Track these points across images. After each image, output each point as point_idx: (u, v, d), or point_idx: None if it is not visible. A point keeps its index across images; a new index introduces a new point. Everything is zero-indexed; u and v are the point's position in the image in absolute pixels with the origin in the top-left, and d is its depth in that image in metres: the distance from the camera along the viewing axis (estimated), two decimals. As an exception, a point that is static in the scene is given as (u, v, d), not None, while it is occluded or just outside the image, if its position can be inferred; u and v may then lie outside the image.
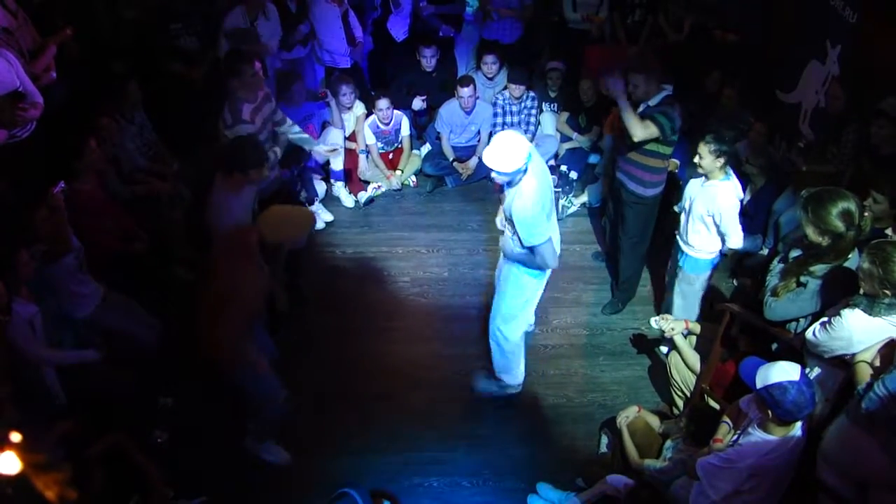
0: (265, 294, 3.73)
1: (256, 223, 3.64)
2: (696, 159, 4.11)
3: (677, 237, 4.55)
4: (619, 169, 4.81)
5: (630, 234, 4.94)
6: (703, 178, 4.22)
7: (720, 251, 4.42)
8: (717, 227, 4.22)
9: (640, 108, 4.41)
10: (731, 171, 4.20)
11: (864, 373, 3.08)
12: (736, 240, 4.25)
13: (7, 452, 2.63)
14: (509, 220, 3.85)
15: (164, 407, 4.38)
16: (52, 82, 3.99)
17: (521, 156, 3.54)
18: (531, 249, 3.85)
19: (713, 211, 4.16)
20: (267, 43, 5.78)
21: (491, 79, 6.61)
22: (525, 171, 3.65)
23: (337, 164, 6.27)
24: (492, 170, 3.61)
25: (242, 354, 3.62)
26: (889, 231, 3.78)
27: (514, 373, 4.54)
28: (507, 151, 3.53)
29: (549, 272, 4.17)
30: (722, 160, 4.08)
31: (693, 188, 4.33)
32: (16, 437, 2.75)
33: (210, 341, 3.49)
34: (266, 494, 4.13)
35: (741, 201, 4.33)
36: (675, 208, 4.67)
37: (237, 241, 3.64)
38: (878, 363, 3.08)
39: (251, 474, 4.18)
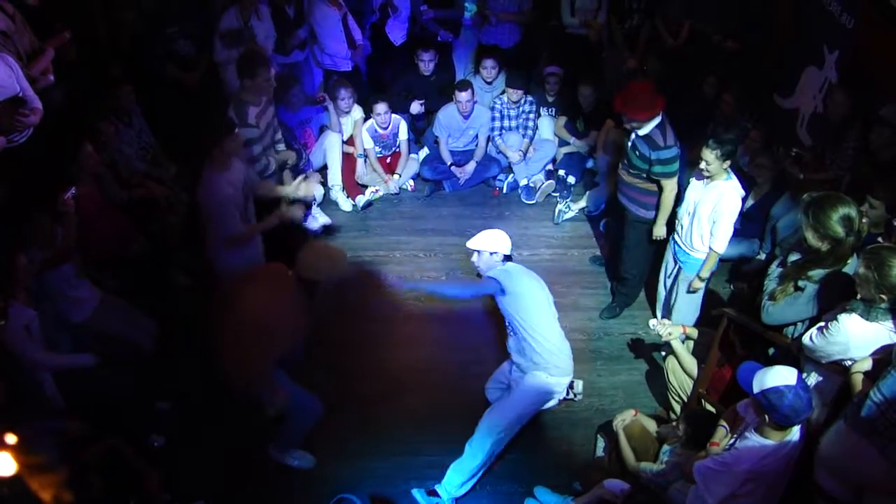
0: (305, 332, 3.78)
1: (296, 259, 3.58)
2: (703, 165, 4.13)
3: (674, 240, 4.55)
4: (619, 192, 4.93)
5: (632, 250, 5.01)
6: (705, 179, 4.23)
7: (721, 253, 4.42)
8: (712, 225, 4.23)
9: (632, 137, 4.57)
10: (731, 171, 4.21)
11: (860, 383, 3.09)
12: (721, 244, 4.25)
13: (2, 454, 2.64)
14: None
15: (160, 411, 4.38)
16: (50, 85, 3.99)
17: (498, 244, 4.04)
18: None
19: (717, 209, 4.17)
20: (263, 44, 5.77)
21: (489, 83, 6.61)
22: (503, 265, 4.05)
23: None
24: (471, 249, 4.12)
25: (267, 384, 3.65)
26: (880, 240, 3.78)
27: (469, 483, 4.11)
28: (487, 236, 4.07)
29: (566, 379, 4.07)
30: (728, 162, 4.10)
31: (695, 190, 4.32)
32: (11, 438, 2.75)
33: (238, 370, 3.49)
34: (264, 499, 4.12)
35: (743, 200, 4.35)
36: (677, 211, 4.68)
37: (275, 274, 3.69)
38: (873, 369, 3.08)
39: (248, 479, 4.18)
